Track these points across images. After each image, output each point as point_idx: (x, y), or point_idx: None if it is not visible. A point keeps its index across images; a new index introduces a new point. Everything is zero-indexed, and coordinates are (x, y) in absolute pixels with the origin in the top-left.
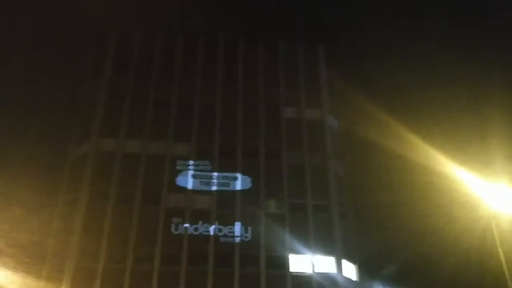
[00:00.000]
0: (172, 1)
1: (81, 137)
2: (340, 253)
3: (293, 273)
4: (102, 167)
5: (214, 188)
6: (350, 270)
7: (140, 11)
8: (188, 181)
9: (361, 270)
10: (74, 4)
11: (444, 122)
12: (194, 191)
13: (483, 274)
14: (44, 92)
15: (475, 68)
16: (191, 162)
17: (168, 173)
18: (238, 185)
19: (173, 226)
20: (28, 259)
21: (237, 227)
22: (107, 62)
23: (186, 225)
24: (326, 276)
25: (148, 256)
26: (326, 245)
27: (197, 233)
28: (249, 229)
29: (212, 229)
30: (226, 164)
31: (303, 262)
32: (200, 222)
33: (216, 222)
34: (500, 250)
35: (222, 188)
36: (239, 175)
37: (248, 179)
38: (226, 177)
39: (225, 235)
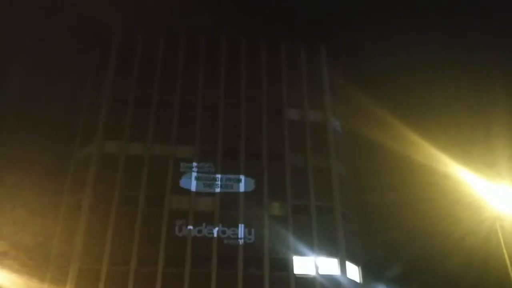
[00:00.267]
0: (174, 1)
1: (85, 139)
2: (344, 255)
3: (296, 275)
4: (105, 169)
5: (217, 190)
6: (354, 272)
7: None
8: (191, 183)
9: (365, 272)
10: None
11: (447, 122)
12: (197, 193)
13: (487, 275)
14: (47, 94)
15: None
16: (195, 164)
17: (172, 175)
18: (242, 187)
19: (176, 228)
20: (32, 262)
21: (241, 229)
22: (110, 64)
23: (190, 227)
24: (329, 278)
25: (152, 258)
26: (329, 247)
27: (200, 235)
28: (253, 231)
29: (215, 231)
30: (229, 166)
31: (307, 264)
32: (204, 224)
33: (220, 224)
34: (505, 251)
35: (226, 190)
36: (242, 177)
37: (252, 181)
38: (229, 179)
39: (228, 237)
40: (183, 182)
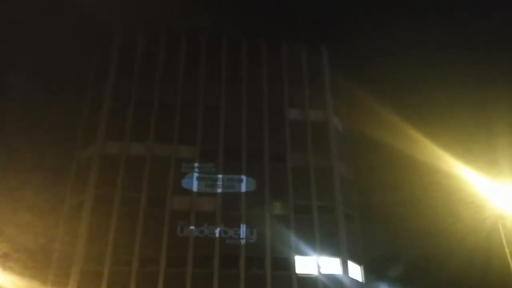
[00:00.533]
0: (174, 2)
1: (86, 141)
2: (346, 254)
3: (299, 275)
4: (107, 170)
5: (219, 190)
6: (356, 271)
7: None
8: (193, 183)
9: (367, 271)
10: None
11: (449, 121)
12: (199, 193)
13: (489, 274)
14: (48, 95)
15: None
16: (196, 164)
17: (173, 175)
18: (243, 187)
19: (178, 228)
20: (34, 263)
21: (243, 229)
22: (111, 64)
23: (192, 227)
24: (332, 278)
25: (154, 259)
26: (331, 247)
27: (202, 235)
28: (255, 231)
29: (217, 231)
30: (231, 166)
31: (309, 263)
32: (206, 224)
33: (222, 224)
34: (507, 250)
35: (227, 190)
36: (244, 177)
37: (253, 181)
38: (231, 179)
39: (230, 237)
40: (184, 183)
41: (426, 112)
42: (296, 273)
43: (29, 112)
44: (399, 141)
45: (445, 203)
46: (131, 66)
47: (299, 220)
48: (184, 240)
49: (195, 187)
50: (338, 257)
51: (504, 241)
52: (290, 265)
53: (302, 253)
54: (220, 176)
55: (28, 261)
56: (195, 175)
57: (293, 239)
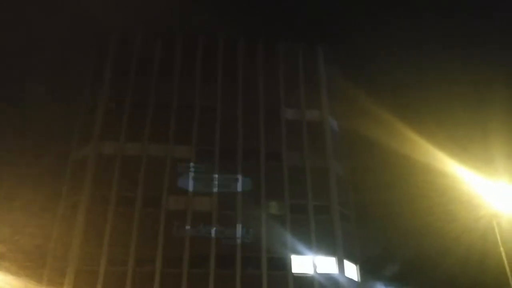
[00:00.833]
0: (172, 2)
1: (82, 141)
2: (342, 254)
3: (295, 274)
4: (102, 170)
5: (215, 190)
6: (352, 271)
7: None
8: (188, 183)
9: (363, 270)
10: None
11: (445, 120)
12: (195, 193)
13: (485, 272)
14: (44, 95)
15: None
16: (192, 164)
17: (169, 175)
18: (239, 187)
19: (174, 228)
20: (29, 263)
21: (239, 229)
22: (107, 64)
23: (187, 227)
24: (328, 277)
25: (150, 259)
26: (327, 246)
27: (198, 235)
28: (251, 230)
29: (213, 231)
30: (227, 166)
31: (305, 263)
32: (202, 224)
33: (218, 224)
34: (502, 249)
35: (223, 190)
36: (239, 177)
37: (249, 181)
38: (226, 179)
39: (226, 237)
40: (180, 183)
41: (422, 112)
42: (292, 273)
43: (24, 111)
44: (394, 140)
45: (441, 202)
46: (127, 66)
47: (295, 219)
48: (180, 240)
49: (191, 187)
50: (334, 257)
51: (499, 239)
52: (286, 265)
53: (298, 253)
54: (216, 176)
55: (23, 261)
56: (191, 175)
57: (289, 238)
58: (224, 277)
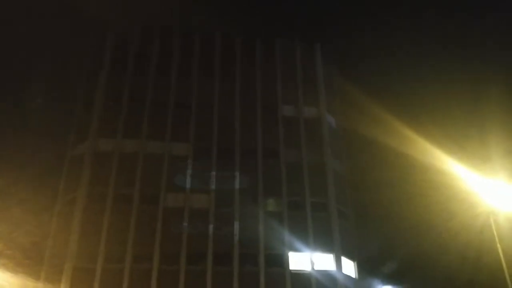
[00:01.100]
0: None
1: (79, 138)
2: (339, 251)
3: (292, 271)
4: (99, 167)
5: (212, 187)
6: (349, 267)
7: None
8: (186, 180)
9: (360, 267)
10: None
11: (442, 118)
12: (192, 190)
13: (482, 269)
14: (41, 92)
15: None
16: (189, 161)
17: (166, 172)
18: (237, 184)
19: (171, 225)
20: (27, 261)
21: (236, 226)
22: (104, 61)
23: (185, 224)
24: (325, 274)
25: (147, 256)
26: (325, 243)
27: (196, 232)
28: (248, 227)
29: (211, 228)
30: (224, 163)
31: (303, 259)
32: (199, 221)
33: (215, 221)
34: (498, 245)
35: (221, 187)
36: (237, 174)
37: (247, 178)
38: (224, 176)
39: (224, 234)
40: (178, 180)
41: (420, 110)
42: (289, 269)
43: (21, 109)
44: (392, 138)
45: (438, 200)
46: (124, 63)
47: (292, 216)
48: (178, 237)
49: (188, 184)
50: (332, 253)
51: (496, 237)
52: (283, 262)
53: (295, 250)
54: (213, 173)
55: (21, 258)
56: (189, 172)
57: (287, 235)
58: (221, 274)
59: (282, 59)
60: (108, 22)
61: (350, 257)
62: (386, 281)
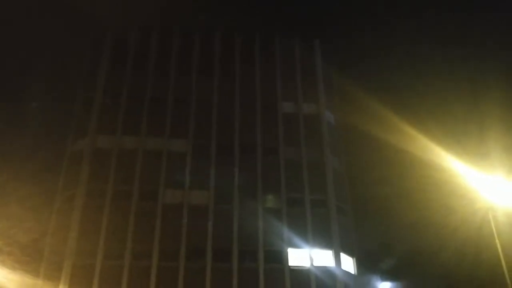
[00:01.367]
0: None
1: (78, 134)
2: (338, 247)
3: (291, 267)
4: (98, 164)
5: (211, 183)
6: (348, 264)
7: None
8: (185, 177)
9: (359, 263)
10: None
11: (441, 115)
12: (191, 187)
13: (480, 265)
14: (40, 89)
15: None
16: (188, 158)
17: (165, 169)
18: (236, 181)
19: (171, 222)
20: (26, 258)
21: (235, 222)
22: (103, 58)
23: (184, 221)
24: (324, 270)
25: (146, 253)
26: (324, 239)
27: (195, 228)
28: (247, 224)
29: (210, 224)
30: (223, 160)
31: (301, 256)
32: (198, 218)
33: (214, 218)
34: (497, 241)
35: (220, 183)
36: (236, 171)
37: (245, 174)
38: (223, 173)
39: (223, 231)
40: (177, 176)
41: (419, 107)
42: (288, 266)
43: (21, 106)
44: (391, 135)
45: (437, 196)
46: (123, 60)
47: (291, 213)
48: (177, 234)
49: (187, 181)
50: (331, 250)
51: (494, 232)
52: (282, 258)
53: (294, 246)
54: (212, 169)
55: (20, 255)
56: (188, 168)
57: (286, 232)
58: (221, 271)
59: (281, 56)
60: (107, 21)
61: (349, 253)
62: (385, 277)
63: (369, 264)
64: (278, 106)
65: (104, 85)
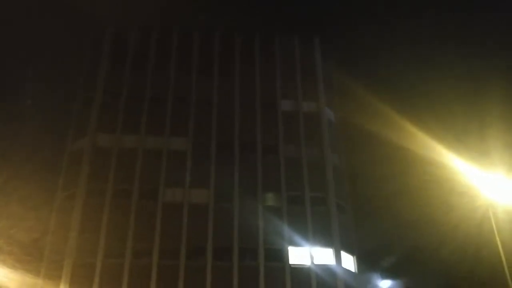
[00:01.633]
0: None
1: (78, 133)
2: (339, 245)
3: (292, 266)
4: (98, 162)
5: (211, 182)
6: (348, 262)
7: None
8: (185, 175)
9: (360, 261)
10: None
11: (441, 113)
12: (191, 186)
13: (481, 262)
14: (40, 88)
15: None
16: (188, 156)
17: (165, 168)
18: (236, 179)
19: (171, 220)
20: (26, 257)
21: (235, 221)
22: (103, 57)
23: (184, 219)
24: (325, 268)
25: (147, 251)
26: (324, 237)
27: (195, 227)
28: (247, 222)
29: (210, 223)
30: (223, 158)
31: (302, 254)
32: (198, 216)
33: (214, 216)
34: (497, 238)
35: (220, 182)
36: (236, 169)
37: (246, 173)
38: (223, 171)
39: (223, 229)
40: (177, 175)
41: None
42: (289, 264)
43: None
44: (391, 132)
45: (438, 193)
46: (123, 59)
47: (291, 211)
48: (177, 232)
49: (187, 179)
50: (331, 248)
51: (495, 229)
52: (283, 256)
53: (295, 244)
54: (212, 168)
55: (20, 254)
56: (188, 167)
57: (286, 230)
58: (221, 269)
59: (281, 55)
60: (107, 21)
61: (350, 251)
62: (386, 275)
63: (369, 262)
64: (278, 105)
65: (104, 85)
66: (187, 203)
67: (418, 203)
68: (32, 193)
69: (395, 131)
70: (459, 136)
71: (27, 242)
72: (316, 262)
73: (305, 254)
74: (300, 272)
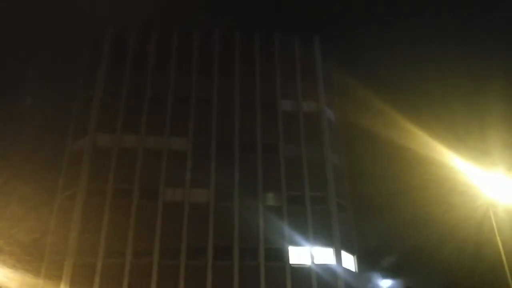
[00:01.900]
0: None
1: (78, 133)
2: (339, 244)
3: (292, 265)
4: (99, 162)
5: (211, 181)
6: (349, 261)
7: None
8: (185, 175)
9: (360, 261)
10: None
11: (442, 112)
12: (191, 185)
13: (481, 261)
14: (40, 88)
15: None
16: (188, 156)
17: (166, 167)
18: (236, 178)
19: (171, 220)
20: (27, 257)
21: (236, 220)
22: (103, 56)
23: (184, 219)
24: (325, 268)
25: (147, 251)
26: (324, 237)
27: (195, 227)
28: (248, 222)
29: (210, 222)
30: (224, 158)
31: (302, 253)
32: (199, 216)
33: (214, 216)
34: (498, 238)
35: (220, 181)
36: (236, 168)
37: (246, 172)
38: (223, 171)
39: (223, 228)
40: (177, 174)
41: (419, 103)
42: (289, 264)
43: (20, 105)
44: (391, 132)
45: (438, 192)
46: (123, 59)
47: (292, 210)
48: (177, 232)
49: (187, 179)
50: (331, 247)
51: (495, 229)
52: (283, 256)
53: (295, 244)
54: (212, 167)
55: (20, 254)
56: (188, 167)
57: (286, 229)
58: (221, 268)
59: (281, 55)
60: (107, 21)
61: (350, 250)
62: (386, 274)
63: (370, 261)
64: (278, 105)
65: (104, 84)
66: (188, 202)
67: (418, 202)
68: (32, 193)
69: (395, 131)
70: (459, 135)
71: (27, 242)
72: (316, 261)
73: (305, 254)
74: (300, 272)
